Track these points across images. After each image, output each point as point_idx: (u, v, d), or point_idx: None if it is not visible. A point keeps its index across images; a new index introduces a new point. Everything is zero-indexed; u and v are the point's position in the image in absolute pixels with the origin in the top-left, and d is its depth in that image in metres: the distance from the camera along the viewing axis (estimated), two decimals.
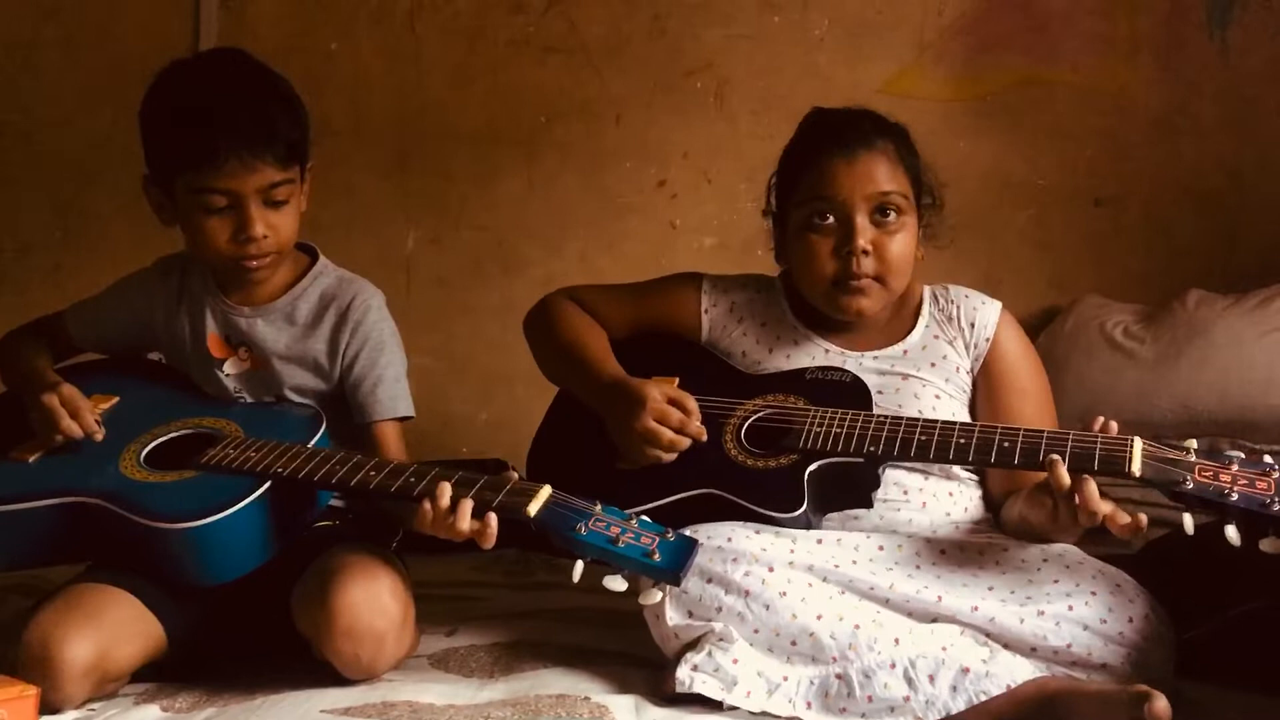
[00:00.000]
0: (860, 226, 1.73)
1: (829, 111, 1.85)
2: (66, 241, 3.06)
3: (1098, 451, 1.52)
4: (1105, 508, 1.51)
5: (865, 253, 1.74)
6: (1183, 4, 2.91)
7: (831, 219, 1.75)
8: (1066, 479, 1.51)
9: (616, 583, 1.45)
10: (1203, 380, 2.54)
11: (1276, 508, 1.42)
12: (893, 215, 1.75)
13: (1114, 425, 1.56)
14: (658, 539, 1.45)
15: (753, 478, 1.66)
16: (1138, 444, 1.51)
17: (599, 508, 1.49)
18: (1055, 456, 1.52)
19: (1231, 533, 1.43)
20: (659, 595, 1.48)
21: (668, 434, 1.68)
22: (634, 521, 1.47)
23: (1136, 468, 1.49)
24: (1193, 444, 1.52)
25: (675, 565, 1.44)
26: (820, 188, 1.75)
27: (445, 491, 1.51)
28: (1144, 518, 1.50)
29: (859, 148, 1.75)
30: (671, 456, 1.69)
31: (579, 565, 1.46)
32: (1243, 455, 1.49)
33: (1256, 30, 2.88)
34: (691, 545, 1.47)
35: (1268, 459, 1.49)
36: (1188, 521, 1.46)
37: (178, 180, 1.70)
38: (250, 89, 1.71)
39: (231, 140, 1.65)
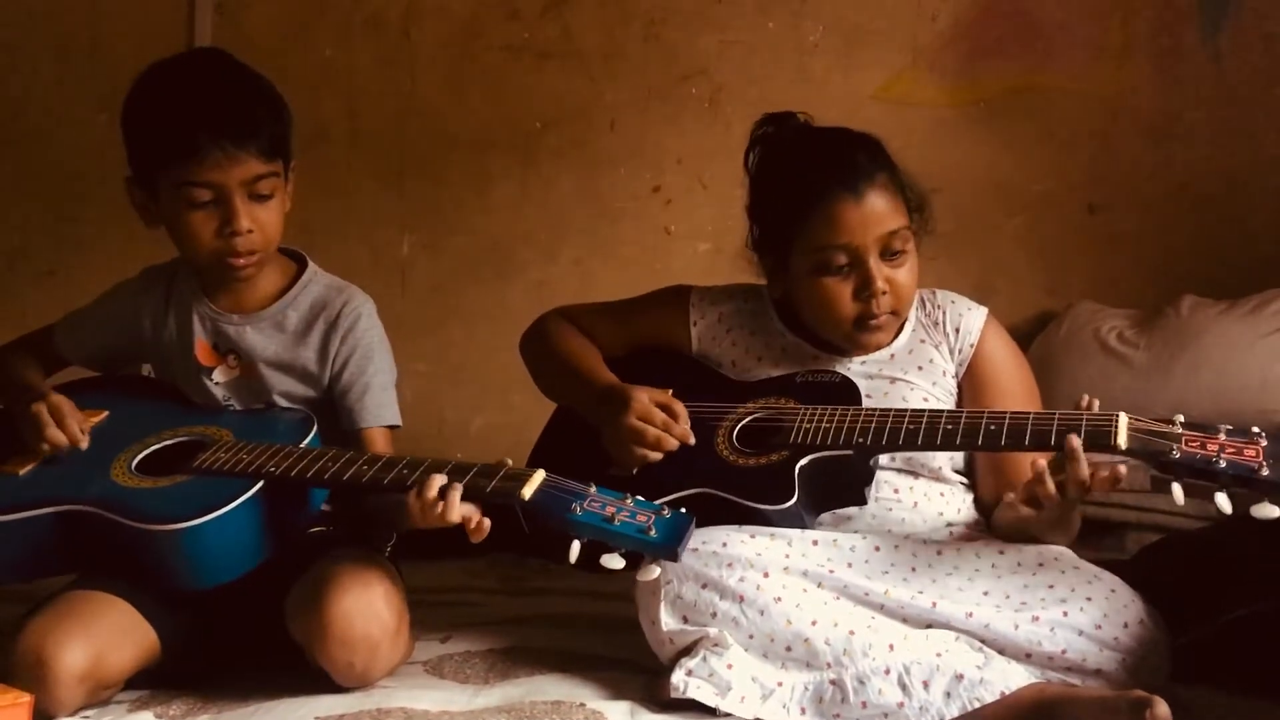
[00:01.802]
0: (875, 269, 1.73)
1: (817, 137, 1.83)
2: (59, 248, 3.06)
3: (1084, 427, 1.52)
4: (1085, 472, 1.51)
5: (884, 292, 1.74)
6: (1176, 10, 2.92)
7: (845, 261, 1.74)
8: (1077, 444, 1.50)
9: (614, 560, 1.45)
10: (1197, 385, 2.55)
11: (1265, 473, 1.42)
12: (899, 247, 1.75)
13: (1097, 403, 1.57)
14: (654, 516, 1.45)
15: (745, 475, 1.67)
16: (1123, 418, 1.52)
17: (594, 489, 1.49)
18: (1071, 435, 1.52)
19: (1222, 500, 1.43)
20: (656, 571, 1.48)
21: (653, 431, 1.69)
22: (629, 500, 1.48)
23: (1123, 441, 1.49)
24: (1180, 418, 1.51)
25: (672, 540, 1.44)
26: (833, 235, 1.73)
27: (436, 480, 1.51)
28: (1122, 468, 1.51)
29: (864, 186, 1.73)
30: (657, 456, 1.70)
31: (575, 545, 1.45)
32: (1229, 426, 1.49)
33: (1249, 36, 2.89)
34: (688, 521, 1.47)
35: (1255, 428, 1.48)
36: (1177, 492, 1.45)
37: (161, 176, 1.70)
38: (230, 83, 1.73)
39: (213, 131, 1.66)
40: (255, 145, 1.69)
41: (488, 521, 1.50)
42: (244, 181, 1.69)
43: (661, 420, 1.70)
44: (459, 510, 1.49)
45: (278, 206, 1.75)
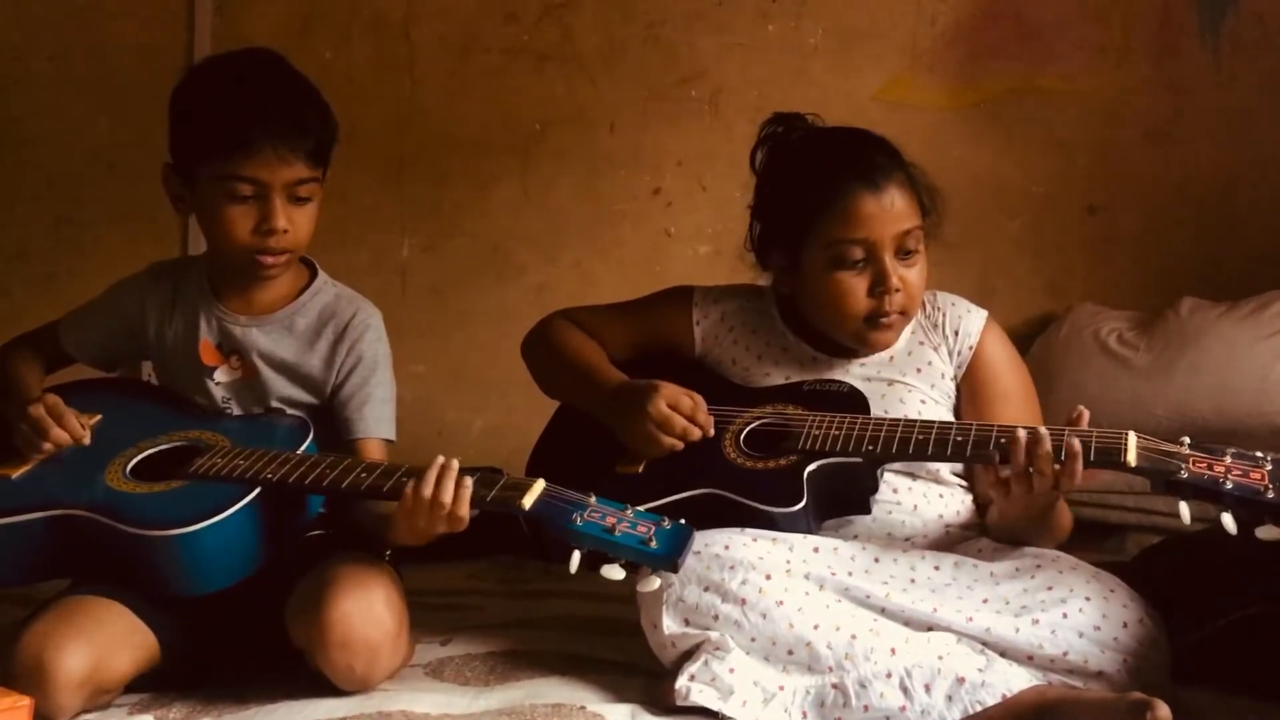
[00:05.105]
0: (890, 266, 1.73)
1: (834, 135, 1.84)
2: (60, 250, 3.05)
3: (1094, 444, 1.54)
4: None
5: (897, 290, 1.74)
6: (1175, 12, 2.93)
7: (861, 255, 1.74)
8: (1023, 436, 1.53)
9: (614, 571, 1.45)
10: (1196, 387, 2.55)
11: (1270, 496, 1.44)
12: (913, 246, 1.75)
13: (1087, 414, 1.58)
14: (654, 527, 1.46)
15: (753, 477, 1.67)
16: (1132, 436, 1.53)
17: (594, 499, 1.49)
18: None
19: (1228, 520, 1.45)
20: (656, 583, 1.49)
21: (680, 420, 1.70)
22: (630, 511, 1.48)
23: (1132, 458, 1.51)
24: (1186, 440, 1.54)
25: (672, 552, 1.44)
26: (851, 229, 1.73)
27: (431, 477, 1.51)
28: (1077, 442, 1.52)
29: (884, 182, 1.73)
30: (680, 445, 1.70)
31: (575, 556, 1.45)
32: (1235, 450, 1.52)
33: (1248, 38, 2.90)
34: (688, 533, 1.47)
35: (1259, 453, 1.51)
36: (1184, 510, 1.48)
37: (204, 167, 1.71)
38: (288, 86, 1.74)
39: (268, 130, 1.68)
40: (305, 150, 1.71)
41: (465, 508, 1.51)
42: (288, 183, 1.71)
43: (689, 407, 1.71)
44: (450, 495, 1.50)
45: (313, 212, 1.76)
